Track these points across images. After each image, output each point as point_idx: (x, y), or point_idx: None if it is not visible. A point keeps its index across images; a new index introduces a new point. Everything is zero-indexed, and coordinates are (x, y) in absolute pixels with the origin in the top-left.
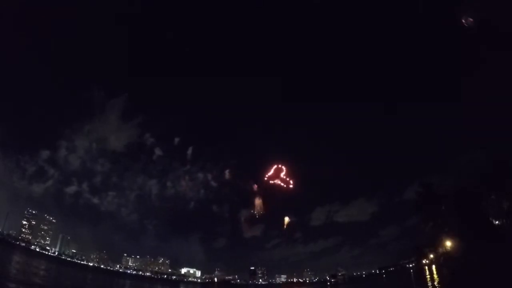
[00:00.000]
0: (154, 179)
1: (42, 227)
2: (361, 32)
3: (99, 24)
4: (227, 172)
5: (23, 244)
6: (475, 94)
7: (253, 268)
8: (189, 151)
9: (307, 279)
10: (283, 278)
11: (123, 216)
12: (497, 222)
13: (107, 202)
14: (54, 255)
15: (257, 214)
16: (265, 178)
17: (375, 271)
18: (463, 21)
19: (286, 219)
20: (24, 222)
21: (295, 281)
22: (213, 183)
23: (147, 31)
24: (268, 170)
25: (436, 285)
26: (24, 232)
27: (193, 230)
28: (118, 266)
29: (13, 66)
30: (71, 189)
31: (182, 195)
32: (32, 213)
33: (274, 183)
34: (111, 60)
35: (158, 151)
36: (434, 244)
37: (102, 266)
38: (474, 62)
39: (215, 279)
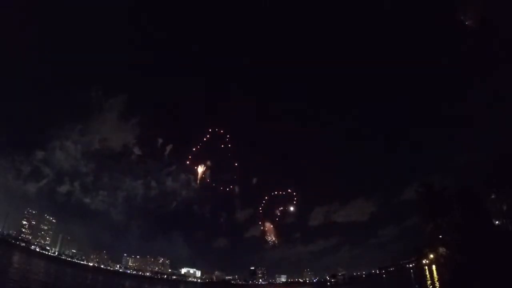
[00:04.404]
0: (141, 179)
1: (42, 227)
2: (362, 35)
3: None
4: (208, 173)
5: (23, 244)
6: (475, 93)
7: (253, 268)
8: (167, 152)
9: (307, 279)
10: (283, 278)
11: (113, 215)
12: (497, 222)
13: (98, 201)
14: (54, 255)
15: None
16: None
17: (375, 271)
18: (464, 21)
19: (268, 226)
20: (24, 222)
21: (295, 281)
22: (195, 184)
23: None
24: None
25: (436, 285)
26: (24, 232)
27: (177, 229)
28: (118, 266)
29: (11, 66)
30: (64, 188)
31: (167, 195)
32: (32, 213)
33: None
34: (109, 61)
35: (146, 152)
36: (434, 244)
37: (102, 266)
38: (475, 62)
39: (215, 279)
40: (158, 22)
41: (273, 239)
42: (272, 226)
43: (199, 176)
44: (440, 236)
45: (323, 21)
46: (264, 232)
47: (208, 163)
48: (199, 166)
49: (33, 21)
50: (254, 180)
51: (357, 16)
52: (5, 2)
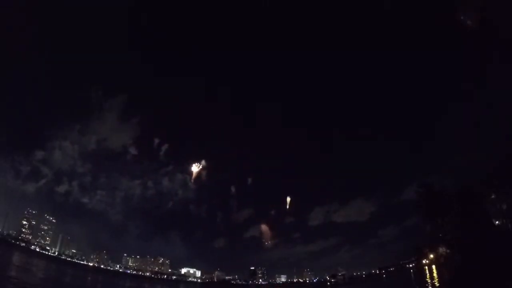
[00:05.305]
0: (139, 179)
1: (42, 227)
2: (362, 37)
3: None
4: (204, 173)
5: (23, 244)
6: (475, 93)
7: (253, 268)
8: (162, 152)
9: (307, 279)
10: (283, 278)
11: (111, 215)
12: (497, 222)
13: (96, 201)
14: (54, 255)
15: None
16: None
17: (375, 271)
18: (464, 21)
19: (264, 228)
20: (24, 222)
21: (295, 281)
22: (191, 184)
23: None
24: None
25: (436, 285)
26: (24, 232)
27: (174, 229)
28: (118, 266)
29: (11, 66)
30: (62, 188)
31: (164, 195)
32: (32, 213)
33: None
34: (109, 61)
35: (142, 152)
36: (434, 244)
37: (102, 266)
38: (476, 62)
39: (215, 279)
40: (158, 22)
41: (269, 241)
42: (268, 227)
43: (194, 175)
44: (440, 236)
45: (322, 20)
46: (261, 234)
47: (204, 162)
48: (194, 165)
49: (33, 21)
50: (249, 181)
51: (357, 16)
52: (5, 2)
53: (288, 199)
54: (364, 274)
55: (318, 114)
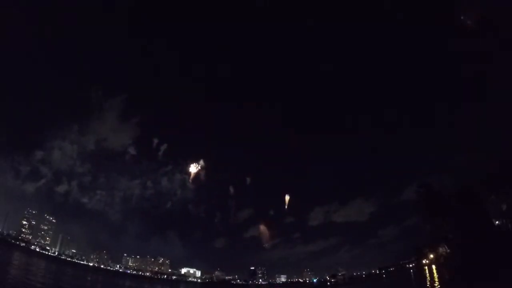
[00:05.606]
0: (138, 179)
1: (42, 227)
2: (365, 40)
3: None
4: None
5: (23, 244)
6: (475, 93)
7: (253, 268)
8: (161, 152)
9: (307, 279)
10: (283, 278)
11: (110, 215)
12: (497, 222)
13: (95, 200)
14: (54, 255)
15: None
16: None
17: (375, 271)
18: (464, 20)
19: (262, 228)
20: (24, 222)
21: (295, 281)
22: (190, 184)
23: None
24: None
25: (436, 285)
26: (24, 232)
27: (173, 229)
28: (118, 266)
29: (11, 66)
30: (62, 188)
31: (163, 195)
32: (32, 213)
33: None
34: (109, 61)
35: (141, 152)
36: (434, 244)
37: (102, 266)
38: (475, 62)
39: (215, 279)
40: (158, 22)
41: (269, 241)
42: (267, 227)
43: (192, 175)
44: (440, 236)
45: (321, 20)
46: (260, 234)
47: (202, 162)
48: (193, 165)
49: (33, 21)
50: (248, 180)
51: (357, 17)
52: (6, 2)
53: (287, 197)
54: (364, 274)
55: (318, 114)
